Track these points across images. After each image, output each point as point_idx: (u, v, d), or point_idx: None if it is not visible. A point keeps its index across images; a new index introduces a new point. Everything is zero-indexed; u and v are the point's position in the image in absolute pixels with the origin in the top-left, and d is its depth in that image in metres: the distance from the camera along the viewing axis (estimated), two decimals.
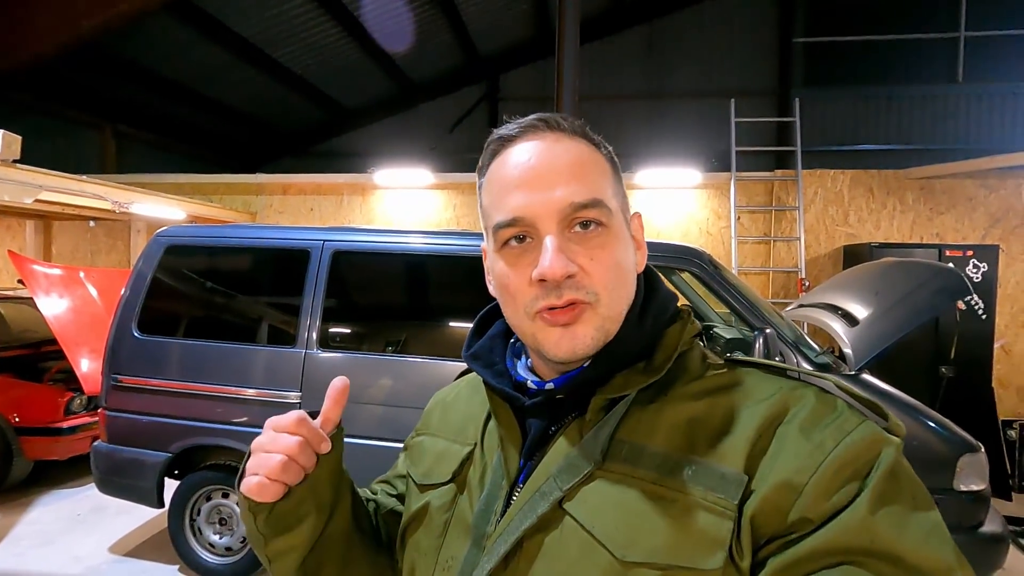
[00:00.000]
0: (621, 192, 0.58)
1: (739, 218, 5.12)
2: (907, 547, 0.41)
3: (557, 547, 0.50)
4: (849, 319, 2.90)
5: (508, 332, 0.65)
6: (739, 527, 0.45)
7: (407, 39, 7.81)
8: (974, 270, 4.30)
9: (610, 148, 0.59)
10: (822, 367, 2.57)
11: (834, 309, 3.12)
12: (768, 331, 2.39)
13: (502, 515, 0.54)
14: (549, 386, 0.56)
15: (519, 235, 0.54)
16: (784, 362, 2.54)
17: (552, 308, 0.52)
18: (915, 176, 4.86)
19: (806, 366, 2.55)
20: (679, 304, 0.60)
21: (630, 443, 0.51)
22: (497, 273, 0.57)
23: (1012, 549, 3.36)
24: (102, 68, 6.84)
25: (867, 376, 2.58)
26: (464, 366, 0.70)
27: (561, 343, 0.52)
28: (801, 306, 3.59)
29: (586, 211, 0.52)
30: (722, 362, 0.56)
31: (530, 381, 0.58)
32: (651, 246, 2.76)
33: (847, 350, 2.68)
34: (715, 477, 0.47)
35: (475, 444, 0.63)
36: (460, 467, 0.62)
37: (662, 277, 0.65)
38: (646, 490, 0.48)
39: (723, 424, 0.50)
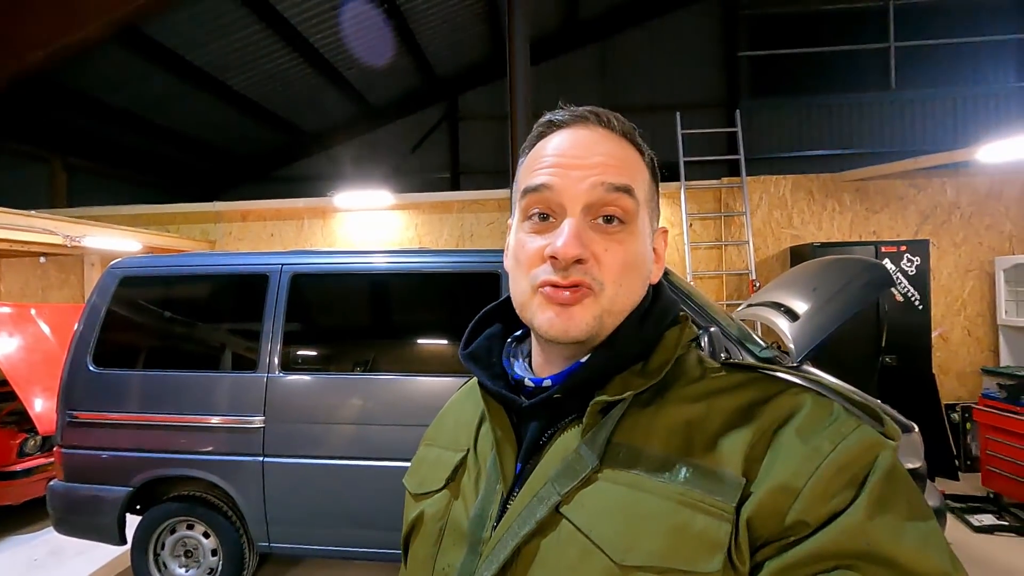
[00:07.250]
0: (655, 201, 0.59)
1: (691, 225, 5.34)
2: (904, 551, 0.41)
3: (555, 552, 0.49)
4: (791, 314, 3.08)
5: (505, 333, 0.65)
6: (737, 530, 0.45)
7: (364, 63, 7.90)
8: (908, 264, 4.58)
9: (655, 157, 0.61)
10: (768, 360, 2.72)
11: (778, 306, 3.30)
12: (712, 329, 2.52)
13: (498, 520, 0.53)
14: (547, 383, 0.56)
15: (543, 213, 0.55)
16: (730, 357, 2.67)
17: (556, 285, 0.52)
18: (850, 178, 5.17)
19: (751, 360, 2.69)
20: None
21: (628, 446, 0.51)
22: (514, 242, 0.58)
23: (950, 522, 3.59)
24: (50, 100, 6.71)
25: (807, 367, 2.74)
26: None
27: (555, 321, 0.53)
28: (750, 305, 3.77)
29: (616, 195, 0.53)
30: (719, 366, 0.56)
31: (527, 379, 0.58)
32: None
33: (790, 344, 2.84)
34: (713, 480, 0.47)
35: (468, 449, 0.62)
36: (453, 473, 0.62)
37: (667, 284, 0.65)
38: (644, 493, 0.48)
39: (721, 427, 0.49)
